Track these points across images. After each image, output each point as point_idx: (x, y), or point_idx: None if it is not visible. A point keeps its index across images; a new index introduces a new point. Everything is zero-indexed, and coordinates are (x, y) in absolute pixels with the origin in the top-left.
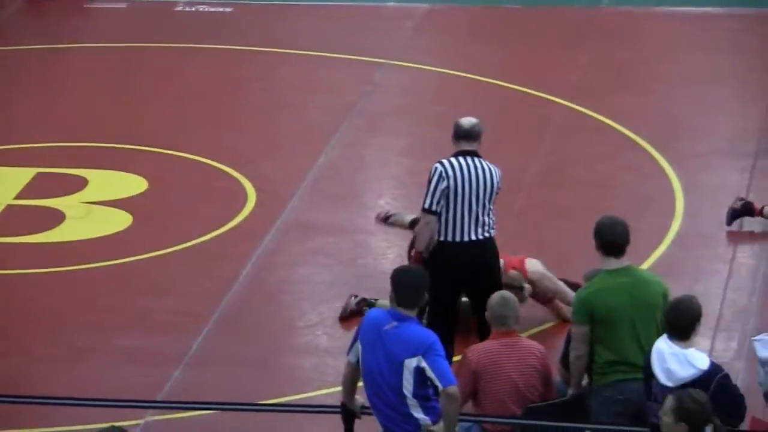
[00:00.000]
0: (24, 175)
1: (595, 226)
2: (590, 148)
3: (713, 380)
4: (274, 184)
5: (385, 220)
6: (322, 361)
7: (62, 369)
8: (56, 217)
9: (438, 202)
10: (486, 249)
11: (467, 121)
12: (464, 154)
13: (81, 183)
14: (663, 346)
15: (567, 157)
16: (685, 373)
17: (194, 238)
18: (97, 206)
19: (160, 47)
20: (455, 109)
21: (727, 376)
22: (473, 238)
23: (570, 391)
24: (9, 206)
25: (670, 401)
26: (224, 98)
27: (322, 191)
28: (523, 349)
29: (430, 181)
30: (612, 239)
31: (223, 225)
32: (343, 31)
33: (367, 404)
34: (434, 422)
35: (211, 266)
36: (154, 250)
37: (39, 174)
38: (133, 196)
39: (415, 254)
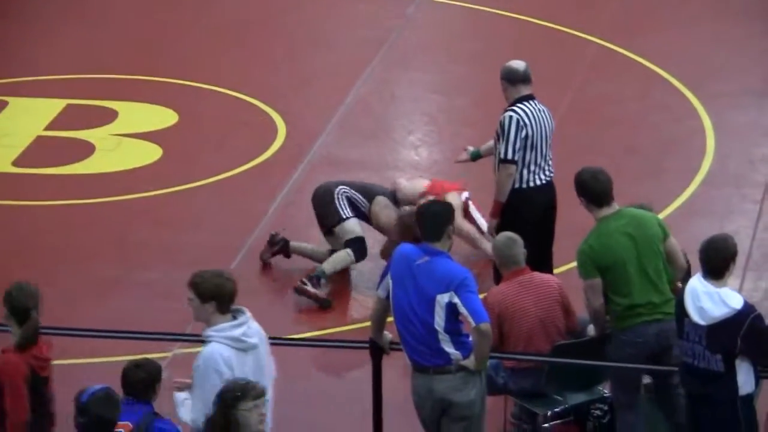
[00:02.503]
0: (54, 106)
1: (577, 182)
2: (621, 86)
3: (746, 320)
4: (304, 119)
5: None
6: (349, 297)
7: (89, 302)
8: (86, 149)
9: (518, 151)
10: (553, 188)
11: (519, 64)
12: (528, 98)
13: (111, 115)
14: (697, 285)
15: (598, 94)
16: (719, 312)
17: (223, 172)
18: (126, 138)
19: None
20: (487, 46)
21: (760, 316)
22: (545, 180)
23: (592, 331)
24: (39, 137)
25: None
26: (256, 32)
27: (352, 127)
28: (540, 284)
29: (506, 131)
30: (597, 189)
31: (252, 159)
32: None
33: (396, 340)
34: (465, 357)
35: (240, 201)
36: (183, 184)
37: (69, 105)
38: (163, 129)
39: (495, 206)
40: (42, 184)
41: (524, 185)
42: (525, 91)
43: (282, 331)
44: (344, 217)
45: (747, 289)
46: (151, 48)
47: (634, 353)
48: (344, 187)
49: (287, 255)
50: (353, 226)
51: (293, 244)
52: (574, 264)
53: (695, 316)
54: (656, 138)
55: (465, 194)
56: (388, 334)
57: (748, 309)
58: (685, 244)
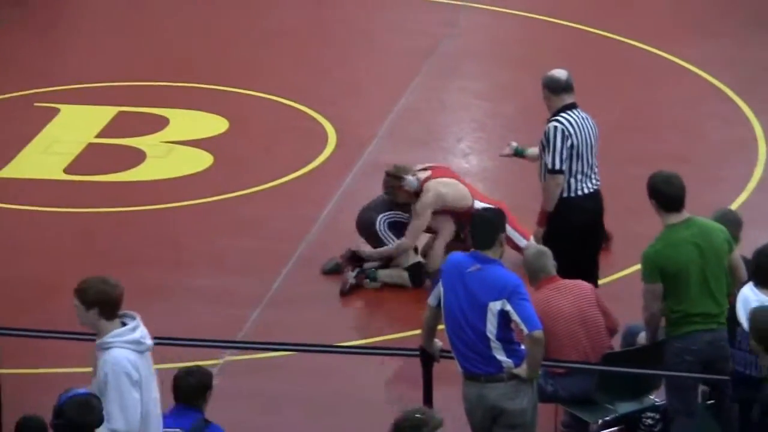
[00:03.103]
0: (106, 113)
1: (650, 185)
2: (672, 93)
3: None
4: (355, 126)
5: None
6: (400, 304)
7: (140, 308)
8: (137, 157)
9: (565, 160)
10: (601, 196)
11: (561, 73)
12: (571, 107)
13: (162, 122)
14: (749, 294)
15: (648, 102)
16: None
17: (274, 179)
18: (178, 146)
19: None
20: (535, 53)
21: None
22: (594, 188)
23: (642, 340)
24: (91, 145)
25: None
26: (306, 40)
27: (401, 133)
28: (573, 287)
29: (552, 142)
30: (671, 194)
31: (303, 166)
32: None
33: (446, 348)
34: (516, 365)
35: (291, 207)
36: (235, 191)
37: (121, 113)
38: (214, 136)
39: (541, 215)
40: (93, 191)
41: (572, 194)
42: (568, 99)
43: (333, 339)
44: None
45: None
46: (201, 56)
47: (691, 360)
48: (384, 215)
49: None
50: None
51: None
52: (620, 274)
53: (747, 325)
54: (708, 146)
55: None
56: (439, 342)
57: None
58: (739, 252)
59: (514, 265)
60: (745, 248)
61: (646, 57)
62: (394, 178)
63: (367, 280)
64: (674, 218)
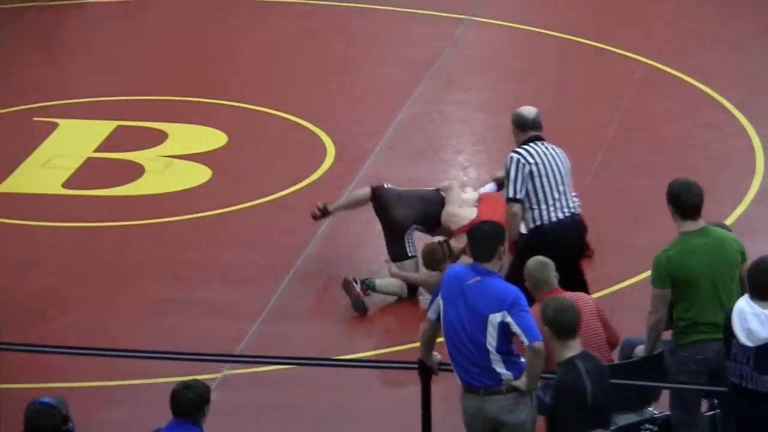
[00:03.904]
0: (104, 128)
1: (669, 191)
2: (670, 105)
3: None
4: (354, 139)
5: (324, 213)
6: (398, 317)
7: (140, 322)
8: (136, 171)
9: (521, 189)
10: (579, 223)
11: (529, 111)
12: (534, 139)
13: (161, 136)
14: (744, 306)
15: (646, 113)
16: (766, 333)
17: (273, 193)
18: (176, 160)
19: (240, 1)
20: (535, 65)
21: None
22: (567, 214)
23: (642, 352)
24: (89, 159)
25: None
26: (304, 52)
27: (401, 147)
28: (575, 300)
29: (509, 171)
30: (689, 201)
31: (302, 179)
32: None
33: (445, 360)
34: (516, 377)
35: (290, 220)
36: (233, 205)
37: (119, 127)
38: (212, 150)
39: (510, 243)
40: (92, 206)
41: (542, 222)
42: (533, 134)
43: (331, 352)
44: (409, 255)
45: None
46: (199, 70)
47: (696, 369)
48: (416, 226)
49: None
50: (413, 266)
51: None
52: (618, 286)
53: (743, 338)
54: (706, 157)
55: None
56: (437, 355)
57: None
58: None
59: None
60: None
61: (644, 69)
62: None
63: (369, 291)
64: (690, 225)
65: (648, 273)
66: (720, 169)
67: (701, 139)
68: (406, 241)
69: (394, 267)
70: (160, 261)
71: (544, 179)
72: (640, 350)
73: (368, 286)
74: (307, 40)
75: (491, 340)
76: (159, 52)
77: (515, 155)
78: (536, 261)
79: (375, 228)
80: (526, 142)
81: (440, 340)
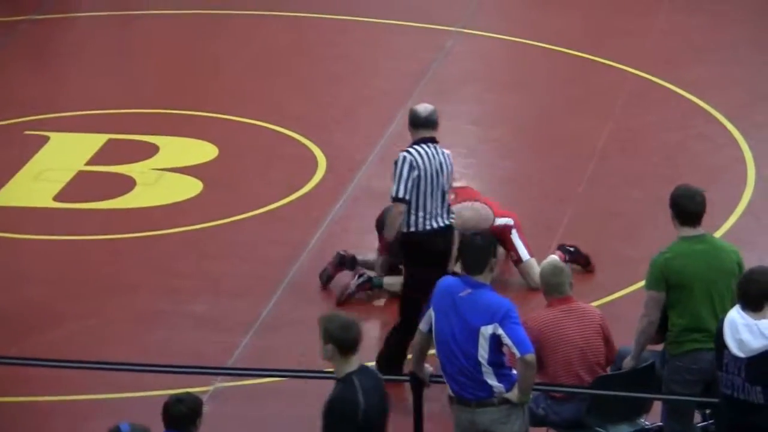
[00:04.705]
0: (96, 141)
1: (673, 196)
2: (662, 116)
3: None
4: (345, 151)
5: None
6: (389, 330)
7: (133, 334)
8: (127, 184)
9: (409, 191)
10: (451, 234)
11: (425, 108)
12: (426, 141)
13: (152, 149)
14: (735, 317)
15: (638, 125)
16: (758, 344)
17: (265, 205)
18: (167, 173)
19: (230, 14)
20: (525, 77)
21: None
22: (441, 225)
23: (629, 359)
24: (80, 172)
25: None
26: (294, 65)
27: (392, 159)
28: (582, 314)
29: (398, 171)
30: (691, 209)
31: (293, 191)
32: None
33: (436, 373)
34: (507, 389)
35: (282, 232)
36: (225, 217)
37: (110, 140)
38: (203, 163)
39: (383, 243)
40: (83, 219)
41: (416, 229)
42: (426, 134)
43: (324, 363)
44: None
45: None
46: (190, 83)
47: (691, 379)
48: None
49: (352, 268)
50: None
51: (360, 258)
52: (610, 297)
53: (734, 349)
54: (697, 168)
55: (504, 220)
56: (429, 367)
57: None
58: None
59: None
60: None
61: (635, 80)
62: None
63: (371, 290)
64: (689, 231)
65: (639, 284)
66: (711, 180)
67: (692, 151)
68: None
69: (386, 279)
70: (151, 273)
71: (428, 187)
72: (627, 362)
73: (372, 285)
74: (298, 52)
75: (483, 353)
76: (150, 65)
77: (407, 155)
78: (551, 265)
79: (367, 240)
80: (418, 143)
81: (432, 352)
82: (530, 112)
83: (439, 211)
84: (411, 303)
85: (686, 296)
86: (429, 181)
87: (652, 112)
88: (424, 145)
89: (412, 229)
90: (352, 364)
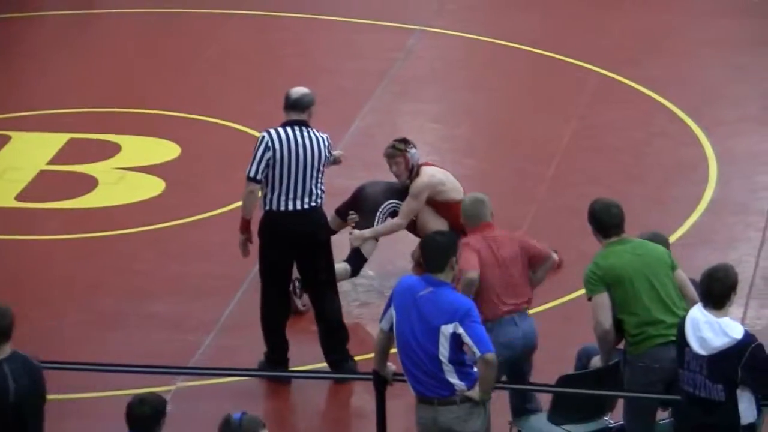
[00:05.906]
0: (57, 140)
1: (590, 212)
2: (623, 114)
3: (747, 350)
4: None
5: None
6: (354, 328)
7: (95, 334)
8: (89, 183)
9: (262, 171)
10: (311, 218)
11: (296, 91)
12: (292, 124)
13: (114, 149)
14: (698, 315)
15: (599, 123)
16: (719, 342)
17: (227, 204)
18: (130, 172)
19: (191, 13)
20: (488, 75)
21: (761, 346)
22: (298, 207)
23: (597, 360)
24: (42, 172)
25: None
26: (257, 64)
27: (355, 158)
28: (502, 239)
29: (255, 150)
30: (608, 222)
31: None
32: None
33: (399, 371)
34: (469, 388)
35: None
36: (187, 216)
37: (72, 140)
38: (165, 162)
39: (242, 221)
40: (45, 219)
41: (273, 208)
42: (294, 116)
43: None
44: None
45: (750, 317)
46: (152, 82)
47: (652, 380)
48: (393, 202)
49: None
50: (372, 246)
51: None
52: (573, 295)
53: (696, 346)
54: (659, 166)
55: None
56: (392, 366)
57: (748, 339)
58: (689, 273)
59: None
60: (696, 269)
61: (597, 78)
62: (400, 146)
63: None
64: (611, 240)
65: None
66: (673, 178)
67: (654, 148)
68: (379, 218)
69: (355, 232)
70: (113, 273)
71: (285, 168)
72: (596, 361)
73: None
74: (260, 51)
75: (443, 351)
76: (112, 64)
77: (266, 136)
78: (471, 197)
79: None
80: (284, 125)
81: (394, 350)
82: (493, 111)
83: (298, 194)
84: (268, 291)
85: (630, 291)
86: (286, 162)
87: (615, 110)
88: (288, 128)
89: (266, 208)
90: (4, 351)
